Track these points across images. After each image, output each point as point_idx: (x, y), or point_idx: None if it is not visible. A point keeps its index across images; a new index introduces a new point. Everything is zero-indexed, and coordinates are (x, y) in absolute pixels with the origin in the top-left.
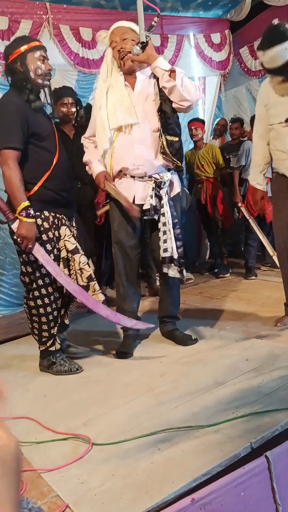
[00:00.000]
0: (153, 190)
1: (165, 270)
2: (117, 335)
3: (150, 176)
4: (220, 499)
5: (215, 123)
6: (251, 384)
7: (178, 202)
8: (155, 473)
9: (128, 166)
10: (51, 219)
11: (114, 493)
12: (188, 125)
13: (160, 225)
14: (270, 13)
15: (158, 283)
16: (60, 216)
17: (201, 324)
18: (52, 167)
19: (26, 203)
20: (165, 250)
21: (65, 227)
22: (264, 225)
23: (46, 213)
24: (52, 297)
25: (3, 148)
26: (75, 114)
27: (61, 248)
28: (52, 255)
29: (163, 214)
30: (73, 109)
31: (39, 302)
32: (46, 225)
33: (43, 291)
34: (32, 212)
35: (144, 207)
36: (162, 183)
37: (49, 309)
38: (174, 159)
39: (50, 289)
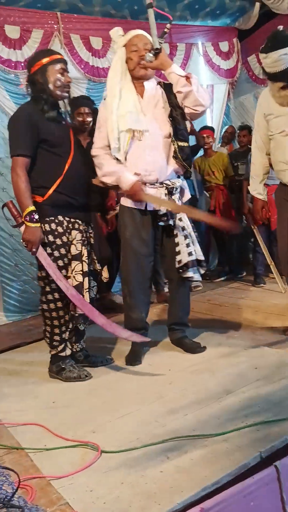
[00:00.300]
0: (166, 196)
1: (189, 274)
2: (125, 341)
3: (161, 183)
4: (229, 509)
5: (223, 130)
6: (260, 393)
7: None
8: (164, 481)
9: (140, 172)
10: (65, 223)
11: (123, 502)
12: (200, 133)
13: (178, 230)
14: (278, 22)
15: (166, 290)
16: (74, 221)
17: (209, 331)
18: (64, 172)
19: (31, 208)
20: (190, 254)
21: (76, 231)
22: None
23: (60, 217)
24: (64, 301)
25: (13, 155)
26: (91, 123)
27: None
28: (66, 259)
29: (180, 219)
30: (89, 119)
31: (51, 305)
32: (60, 229)
33: (56, 295)
34: (36, 217)
35: (160, 213)
36: (174, 189)
37: (61, 313)
38: (185, 164)
39: (62, 294)
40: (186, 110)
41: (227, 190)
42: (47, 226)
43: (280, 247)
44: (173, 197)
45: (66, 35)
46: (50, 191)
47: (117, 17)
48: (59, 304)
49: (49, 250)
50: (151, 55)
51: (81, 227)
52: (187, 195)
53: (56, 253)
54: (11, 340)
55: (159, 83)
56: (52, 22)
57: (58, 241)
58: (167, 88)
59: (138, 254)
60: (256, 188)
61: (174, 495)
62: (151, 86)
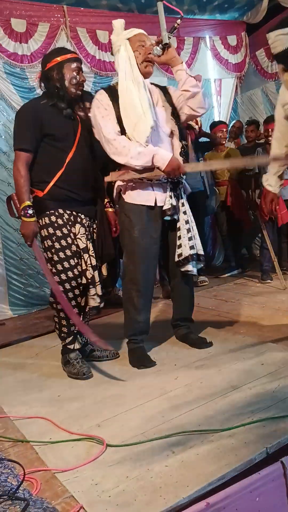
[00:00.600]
0: (171, 191)
1: (189, 268)
2: None
3: (166, 179)
4: (235, 504)
5: (231, 125)
6: (266, 389)
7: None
8: (169, 476)
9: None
10: (66, 216)
11: (128, 496)
12: (216, 128)
13: (181, 224)
14: None
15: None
16: (77, 214)
17: (215, 327)
18: (64, 166)
19: (27, 203)
20: (192, 247)
21: (79, 225)
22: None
23: (61, 210)
24: (70, 294)
25: (15, 149)
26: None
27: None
28: (68, 250)
29: (184, 212)
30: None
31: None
32: (60, 221)
33: (61, 287)
34: (30, 212)
35: (165, 207)
36: (179, 184)
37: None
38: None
39: (67, 286)
40: (186, 111)
41: (238, 185)
42: (46, 219)
43: None
44: (177, 192)
45: (73, 28)
46: (50, 185)
47: (124, 11)
48: (69, 295)
49: (49, 242)
50: (159, 48)
51: (83, 221)
52: (188, 189)
53: (56, 245)
54: (17, 334)
55: (151, 83)
56: (59, 15)
57: (58, 233)
58: (163, 89)
59: (148, 252)
60: (268, 179)
61: (180, 490)
62: (150, 85)
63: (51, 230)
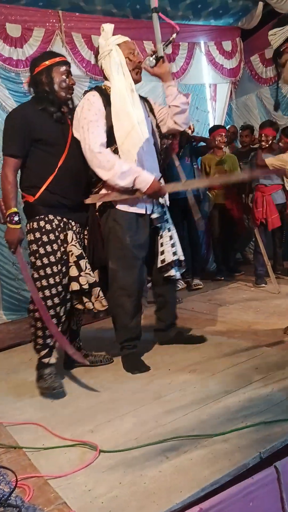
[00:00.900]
0: (162, 199)
1: (172, 273)
2: None
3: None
4: (228, 509)
5: None
6: (260, 393)
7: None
8: (163, 481)
9: None
10: (55, 222)
11: (121, 501)
12: (215, 132)
13: (164, 231)
14: None
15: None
16: (67, 221)
17: (210, 331)
18: (55, 171)
19: (13, 209)
20: (174, 253)
21: (71, 232)
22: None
23: (51, 216)
24: (49, 302)
25: (4, 154)
26: None
27: (69, 253)
28: (52, 256)
29: (166, 220)
30: None
31: (34, 306)
32: (48, 227)
33: (41, 293)
34: (16, 219)
35: (153, 216)
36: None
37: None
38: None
39: (47, 293)
40: (170, 124)
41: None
42: (35, 224)
43: None
44: (161, 199)
45: (68, 33)
46: (41, 190)
47: (118, 16)
48: (49, 302)
49: (34, 247)
50: (152, 59)
51: (74, 228)
52: (167, 197)
53: (41, 250)
54: (10, 339)
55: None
56: (54, 20)
57: (45, 238)
58: (145, 99)
59: (138, 259)
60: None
61: (173, 495)
62: None
63: (37, 235)
